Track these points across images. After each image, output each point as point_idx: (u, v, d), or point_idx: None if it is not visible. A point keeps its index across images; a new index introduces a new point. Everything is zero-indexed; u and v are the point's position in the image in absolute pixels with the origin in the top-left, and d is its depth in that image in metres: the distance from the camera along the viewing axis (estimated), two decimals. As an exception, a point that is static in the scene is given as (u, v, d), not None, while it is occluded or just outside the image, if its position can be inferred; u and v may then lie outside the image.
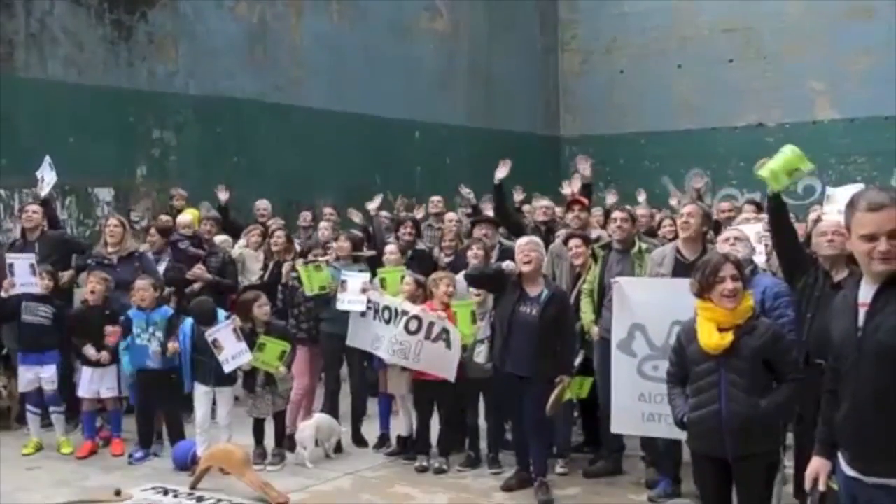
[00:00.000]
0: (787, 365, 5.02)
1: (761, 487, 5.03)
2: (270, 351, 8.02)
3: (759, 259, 6.77)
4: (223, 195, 11.77)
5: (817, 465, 3.92)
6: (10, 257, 8.95)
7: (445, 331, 7.77)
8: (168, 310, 8.56)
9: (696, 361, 5.00)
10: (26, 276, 8.74)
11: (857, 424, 3.66)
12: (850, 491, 3.72)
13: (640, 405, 6.86)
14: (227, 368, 7.95)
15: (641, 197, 13.84)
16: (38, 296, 8.73)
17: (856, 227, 3.66)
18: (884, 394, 3.55)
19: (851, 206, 3.75)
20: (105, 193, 11.82)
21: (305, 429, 8.22)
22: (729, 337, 4.86)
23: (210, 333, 7.95)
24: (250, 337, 8.01)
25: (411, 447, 8.29)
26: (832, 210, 7.45)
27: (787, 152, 5.84)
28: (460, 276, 8.49)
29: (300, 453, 8.18)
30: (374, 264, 9.42)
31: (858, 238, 3.62)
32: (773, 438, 5.10)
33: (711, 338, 4.88)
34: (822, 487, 3.88)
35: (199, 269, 9.65)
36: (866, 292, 3.67)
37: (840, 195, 7.85)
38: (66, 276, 9.20)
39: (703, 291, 5.02)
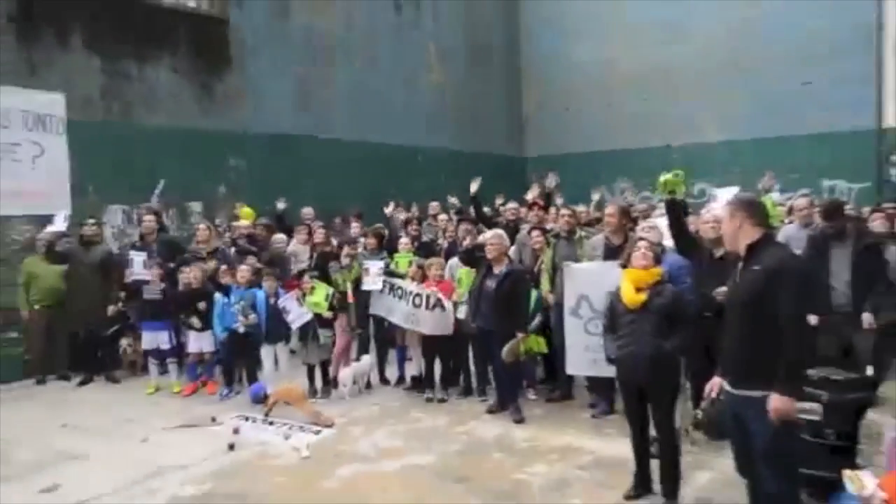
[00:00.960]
0: (684, 318, 5.08)
1: (667, 405, 5.06)
2: (318, 294, 8.22)
3: (668, 243, 6.73)
4: (281, 205, 11.76)
5: (714, 381, 4.10)
6: (131, 253, 9.15)
7: (439, 300, 7.91)
8: (256, 291, 8.53)
9: (620, 315, 5.14)
10: (140, 267, 8.95)
11: (728, 350, 3.99)
12: (727, 402, 3.97)
13: (585, 354, 7.04)
14: (295, 325, 8.19)
15: (595, 195, 13.95)
16: (155, 280, 8.86)
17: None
18: (744, 331, 3.87)
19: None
20: (196, 206, 11.86)
21: (347, 372, 8.33)
22: (643, 296, 5.03)
23: (280, 302, 8.19)
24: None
25: (421, 384, 8.38)
26: (715, 205, 7.65)
27: (670, 176, 5.78)
28: (451, 261, 8.70)
29: (342, 390, 8.30)
30: (391, 251, 9.53)
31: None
32: (674, 369, 5.14)
33: (631, 296, 5.05)
34: (714, 395, 4.06)
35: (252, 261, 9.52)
36: (740, 263, 4.01)
37: (720, 194, 8.10)
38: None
39: (627, 262, 5.28)
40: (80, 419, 7.80)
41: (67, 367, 9.76)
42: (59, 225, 9.68)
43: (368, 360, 8.72)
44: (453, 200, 12.10)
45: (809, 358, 3.95)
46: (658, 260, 5.35)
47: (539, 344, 7.68)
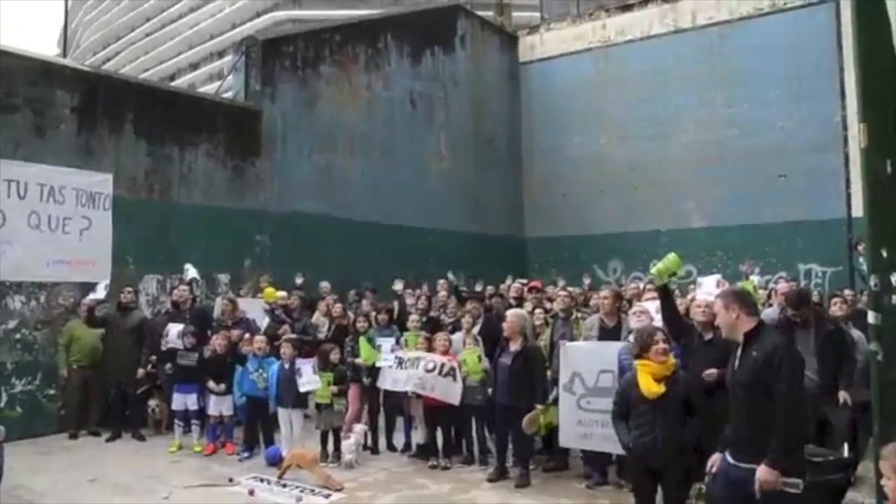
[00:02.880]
0: (697, 403, 4.97)
1: (680, 482, 4.97)
2: (322, 383, 8.11)
3: (657, 325, 6.85)
4: (299, 280, 11.89)
5: (714, 457, 4.21)
6: (169, 325, 9.15)
7: (453, 369, 7.79)
8: (272, 359, 8.55)
9: (636, 404, 4.91)
10: (175, 337, 8.96)
11: (735, 429, 4.08)
12: (729, 475, 4.05)
13: (577, 427, 7.01)
14: (302, 389, 8.05)
15: (587, 280, 14.01)
16: (189, 347, 8.90)
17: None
18: (746, 411, 3.98)
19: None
20: (224, 277, 11.93)
21: (349, 444, 8.12)
22: (662, 387, 4.83)
23: (298, 364, 8.11)
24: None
25: (426, 451, 8.25)
26: (701, 292, 7.67)
27: (670, 258, 5.78)
28: (455, 336, 8.61)
29: (347, 458, 8.08)
30: (401, 327, 9.42)
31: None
32: (689, 453, 4.97)
33: (650, 386, 4.82)
34: (714, 470, 4.16)
35: (285, 329, 9.70)
36: (738, 349, 4.11)
37: (705, 282, 8.13)
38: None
39: (641, 352, 4.95)
40: (108, 474, 7.71)
41: (98, 424, 9.69)
42: (100, 293, 9.74)
43: (360, 429, 8.50)
44: (452, 278, 12.07)
45: (800, 435, 4.05)
46: (670, 342, 5.29)
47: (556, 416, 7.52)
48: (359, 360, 8.68)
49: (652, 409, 4.83)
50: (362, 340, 8.72)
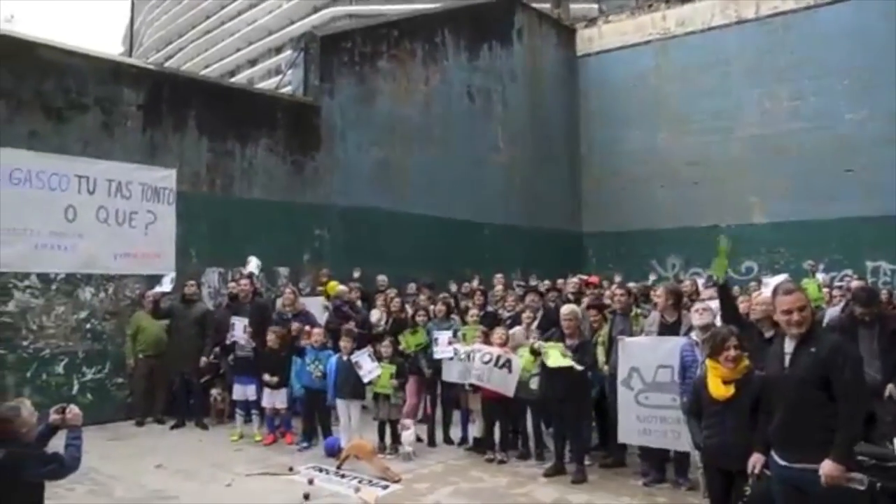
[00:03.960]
0: (763, 400, 4.54)
1: None
2: (384, 376, 8.20)
3: (718, 322, 6.77)
4: (356, 273, 12.03)
5: (755, 457, 4.20)
6: (234, 319, 9.32)
7: (508, 361, 7.80)
8: (329, 351, 8.70)
9: (706, 404, 4.78)
10: (239, 331, 9.16)
11: (787, 429, 3.95)
12: (782, 475, 3.98)
13: (637, 423, 6.99)
14: (366, 380, 8.12)
15: (653, 276, 13.78)
16: (246, 344, 9.09)
17: (778, 306, 4.01)
18: (801, 408, 3.88)
19: (774, 293, 4.16)
20: (283, 271, 12.12)
21: (409, 436, 8.18)
22: (731, 389, 4.66)
23: (354, 357, 8.18)
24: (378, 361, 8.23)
25: (482, 445, 8.28)
26: (767, 290, 7.53)
27: (719, 249, 6.10)
28: (513, 330, 8.61)
29: (406, 450, 8.14)
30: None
31: (780, 312, 3.99)
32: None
33: (718, 389, 4.70)
34: (757, 469, 4.17)
35: (350, 325, 9.79)
36: (789, 346, 4.00)
37: (772, 282, 7.95)
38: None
39: (713, 353, 4.81)
40: (173, 461, 7.92)
41: (163, 412, 9.98)
42: (166, 286, 10.04)
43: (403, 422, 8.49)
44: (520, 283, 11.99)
45: (862, 432, 4.01)
46: (744, 347, 5.03)
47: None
48: (403, 348, 8.81)
49: (721, 411, 4.70)
50: (407, 333, 8.86)
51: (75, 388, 9.62)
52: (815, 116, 15.71)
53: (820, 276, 12.11)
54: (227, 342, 9.34)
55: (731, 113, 16.89)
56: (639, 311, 8.13)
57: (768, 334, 6.03)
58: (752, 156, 16.48)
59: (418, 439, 8.56)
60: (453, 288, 12.21)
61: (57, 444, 4.73)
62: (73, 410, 4.65)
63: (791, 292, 4.04)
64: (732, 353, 4.71)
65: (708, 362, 4.92)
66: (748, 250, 16.35)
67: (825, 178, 15.31)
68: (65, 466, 4.49)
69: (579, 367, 7.20)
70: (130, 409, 9.98)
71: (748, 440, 4.54)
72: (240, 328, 9.13)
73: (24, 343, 9.29)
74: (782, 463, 3.98)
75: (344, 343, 8.42)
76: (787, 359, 4.01)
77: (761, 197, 16.43)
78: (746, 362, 4.81)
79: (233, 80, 46.65)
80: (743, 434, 4.58)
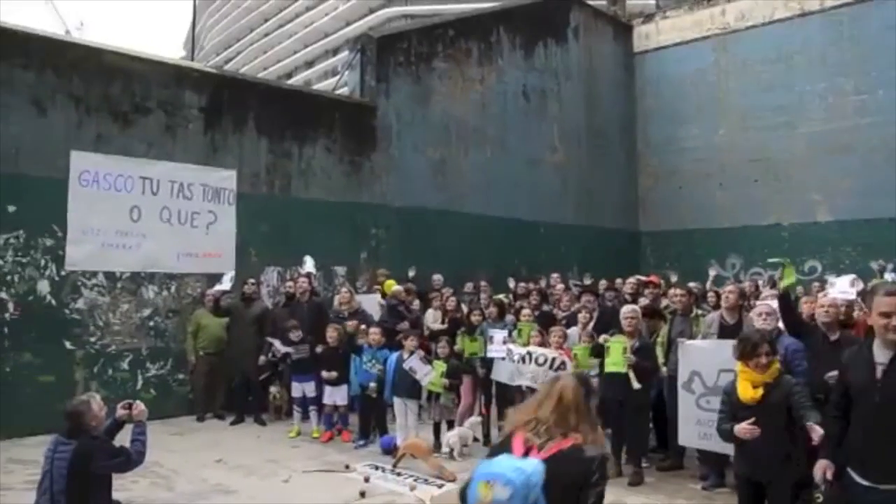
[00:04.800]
0: (799, 406, 4.42)
1: (786, 500, 4.51)
2: (436, 374, 8.17)
3: (782, 325, 6.60)
4: (411, 273, 12.11)
5: (824, 463, 3.87)
6: (269, 339, 9.50)
7: (563, 363, 7.76)
8: (386, 350, 8.74)
9: (737, 409, 4.60)
10: (278, 345, 9.28)
11: (876, 447, 3.58)
12: (864, 497, 3.62)
13: (697, 427, 6.84)
14: (424, 383, 8.14)
15: (712, 272, 13.58)
16: (297, 341, 9.16)
17: (876, 307, 3.65)
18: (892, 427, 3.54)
19: (872, 293, 3.95)
20: (340, 270, 12.26)
21: (453, 436, 8.16)
22: (760, 391, 4.52)
23: (407, 363, 8.18)
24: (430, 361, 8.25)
25: (537, 445, 8.26)
26: (834, 291, 7.32)
27: (787, 270, 6.21)
28: (570, 330, 8.62)
29: (445, 451, 8.10)
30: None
31: (878, 315, 3.61)
32: (796, 465, 4.47)
33: (747, 392, 4.55)
34: (829, 476, 3.80)
35: (404, 325, 9.86)
36: (883, 355, 3.64)
37: (839, 281, 7.72)
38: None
39: (743, 357, 4.65)
40: (232, 456, 8.09)
41: (222, 408, 10.21)
42: (226, 285, 10.24)
43: (474, 420, 8.58)
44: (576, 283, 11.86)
45: None
46: (775, 351, 4.87)
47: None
48: (459, 349, 8.84)
49: (751, 415, 4.45)
50: (467, 339, 8.90)
51: (139, 383, 9.90)
52: (881, 110, 15.15)
53: (889, 276, 11.70)
54: (270, 357, 9.54)
55: (793, 108, 16.42)
56: (699, 312, 7.99)
57: (833, 337, 5.91)
58: (815, 152, 16.01)
59: (475, 439, 8.54)
60: (511, 284, 12.15)
61: (123, 437, 4.88)
62: (139, 406, 4.80)
63: (892, 294, 3.68)
64: (763, 360, 4.57)
65: (738, 367, 4.76)
66: (812, 250, 15.91)
67: (893, 174, 14.77)
68: (131, 460, 4.64)
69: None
70: (191, 405, 10.23)
71: (780, 448, 4.42)
72: (277, 345, 9.29)
73: (92, 339, 9.61)
74: (865, 483, 3.62)
75: (407, 343, 8.42)
76: (880, 369, 3.65)
77: (825, 194, 15.93)
78: (777, 366, 4.69)
79: (290, 81, 47.36)
80: (774, 441, 4.40)
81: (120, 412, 4.89)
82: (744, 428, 4.37)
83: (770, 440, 4.38)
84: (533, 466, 2.74)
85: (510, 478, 2.68)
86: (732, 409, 4.66)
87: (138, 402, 4.91)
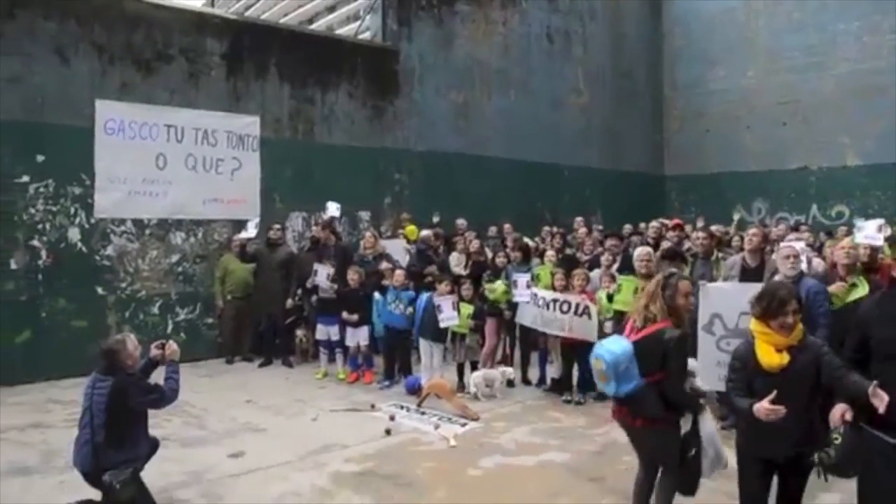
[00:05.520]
0: (833, 370, 3.68)
1: (804, 485, 3.91)
2: (462, 315, 8.32)
3: (803, 266, 6.56)
4: (436, 218, 12.18)
5: (843, 407, 3.56)
6: (317, 265, 9.47)
7: (587, 307, 7.84)
8: (411, 292, 8.85)
9: (756, 377, 3.78)
10: (322, 277, 9.33)
11: None
12: (891, 455, 3.43)
13: (717, 369, 6.81)
14: (442, 325, 8.26)
15: (736, 216, 13.46)
16: (330, 287, 9.26)
17: None
18: None
19: None
20: (364, 214, 12.31)
21: (477, 377, 8.29)
22: (787, 357, 3.71)
23: (437, 300, 8.30)
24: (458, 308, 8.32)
25: (560, 386, 8.35)
26: (861, 235, 7.25)
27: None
28: (593, 273, 8.65)
29: (471, 391, 8.24)
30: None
31: None
32: (817, 441, 3.72)
33: (772, 358, 3.72)
34: (848, 418, 3.51)
35: (432, 269, 9.97)
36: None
37: (866, 226, 7.62)
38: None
39: (765, 315, 3.80)
40: (261, 397, 8.30)
41: (250, 351, 10.42)
42: (251, 231, 10.35)
43: (502, 370, 8.64)
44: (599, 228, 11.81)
45: None
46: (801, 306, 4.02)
47: None
48: (485, 292, 8.87)
49: (772, 386, 3.65)
50: (495, 285, 8.88)
51: (169, 327, 10.10)
52: (918, 49, 14.74)
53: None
54: (309, 286, 9.56)
55: (825, 48, 15.99)
56: (720, 255, 7.96)
57: (850, 280, 5.85)
58: (846, 94, 15.62)
59: (510, 383, 8.63)
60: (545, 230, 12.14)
61: (157, 376, 5.04)
62: (172, 346, 4.98)
63: None
64: (791, 319, 3.74)
65: (755, 328, 3.87)
66: (839, 194, 15.70)
67: (926, 115, 14.41)
68: (165, 397, 4.81)
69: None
70: (220, 348, 10.44)
71: (803, 422, 3.69)
72: (322, 275, 9.31)
73: (123, 285, 9.80)
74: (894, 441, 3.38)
75: (441, 286, 8.46)
76: None
77: (855, 138, 15.59)
78: (801, 326, 3.84)
79: (312, 27, 46.89)
80: (798, 415, 3.64)
81: (154, 352, 5.05)
82: (766, 408, 3.53)
83: (793, 414, 3.59)
84: (622, 348, 4.14)
85: (605, 357, 4.14)
86: (748, 377, 3.83)
87: (171, 341, 5.06)
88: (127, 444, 4.69)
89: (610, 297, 7.68)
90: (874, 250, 6.71)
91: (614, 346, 4.17)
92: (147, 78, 9.99)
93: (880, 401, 3.31)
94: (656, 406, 4.17)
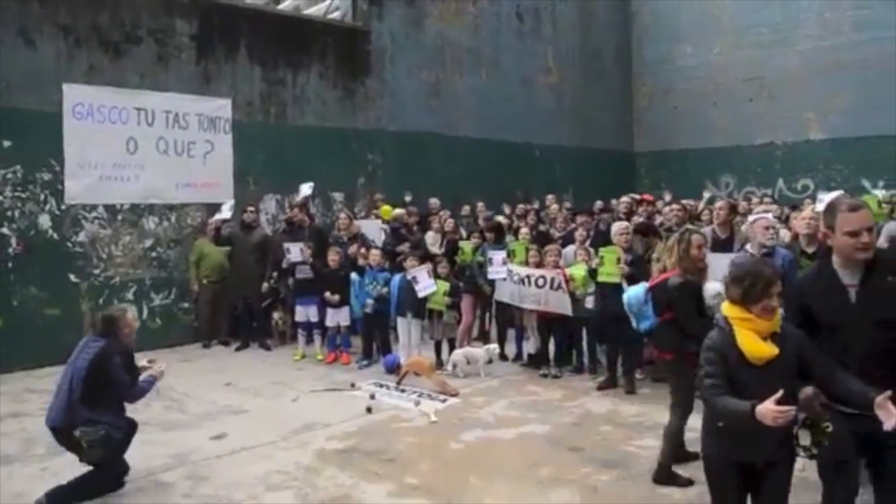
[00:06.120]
0: (826, 366, 3.19)
1: (786, 484, 3.31)
2: (439, 292, 8.37)
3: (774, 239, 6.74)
4: (408, 197, 12.20)
5: (811, 391, 3.13)
6: (286, 244, 9.50)
7: (561, 282, 7.91)
8: (387, 273, 8.88)
9: (737, 370, 3.16)
10: (296, 254, 9.35)
11: (866, 374, 3.12)
12: (852, 425, 3.22)
13: (687, 338, 7.04)
14: (420, 295, 8.30)
15: (707, 193, 13.64)
16: (306, 262, 9.29)
17: (840, 225, 3.26)
18: (880, 348, 3.23)
19: (832, 209, 3.37)
20: (338, 196, 12.27)
21: (458, 355, 8.35)
22: (774, 347, 3.15)
23: (411, 273, 8.36)
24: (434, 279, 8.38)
25: (537, 360, 8.45)
26: (821, 206, 7.39)
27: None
28: (567, 249, 8.74)
29: (449, 369, 8.30)
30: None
31: (844, 234, 3.24)
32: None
33: (759, 348, 3.14)
34: (823, 400, 3.13)
35: (405, 247, 9.94)
36: (850, 276, 3.32)
37: (827, 197, 7.76)
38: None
39: (747, 299, 3.20)
40: (240, 379, 8.29)
41: (227, 335, 10.38)
42: (226, 213, 10.27)
43: (487, 347, 8.65)
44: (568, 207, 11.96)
45: None
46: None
47: None
48: (460, 259, 9.07)
49: (756, 379, 3.12)
50: (463, 244, 9.03)
51: (145, 313, 10.00)
52: (878, 25, 14.93)
53: (879, 193, 11.76)
54: (284, 266, 9.54)
55: (789, 25, 16.24)
56: (692, 228, 8.07)
57: (810, 250, 6.02)
58: (810, 70, 15.89)
59: (489, 361, 8.57)
60: (507, 210, 12.24)
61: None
62: (160, 368, 5.22)
63: (858, 209, 3.30)
64: (776, 302, 3.21)
65: (732, 314, 3.26)
66: (804, 168, 16.04)
67: (887, 91, 14.62)
68: (134, 388, 5.02)
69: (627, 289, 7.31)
70: (196, 333, 10.39)
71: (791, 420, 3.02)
72: (296, 251, 9.32)
73: (96, 272, 9.69)
74: (852, 411, 3.18)
75: (409, 262, 8.55)
76: (853, 293, 3.31)
77: (819, 112, 15.89)
78: (780, 311, 3.31)
79: (279, 7, 46.28)
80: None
81: (142, 362, 5.27)
82: (775, 410, 2.89)
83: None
84: (634, 293, 5.42)
85: (629, 298, 5.45)
86: (728, 371, 3.19)
87: (162, 366, 5.29)
88: (100, 406, 4.83)
89: (593, 272, 7.72)
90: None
91: (631, 291, 5.46)
92: (115, 60, 9.83)
93: (888, 415, 2.90)
94: (671, 340, 5.06)
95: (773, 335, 3.22)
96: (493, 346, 8.70)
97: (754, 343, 3.17)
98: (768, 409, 2.90)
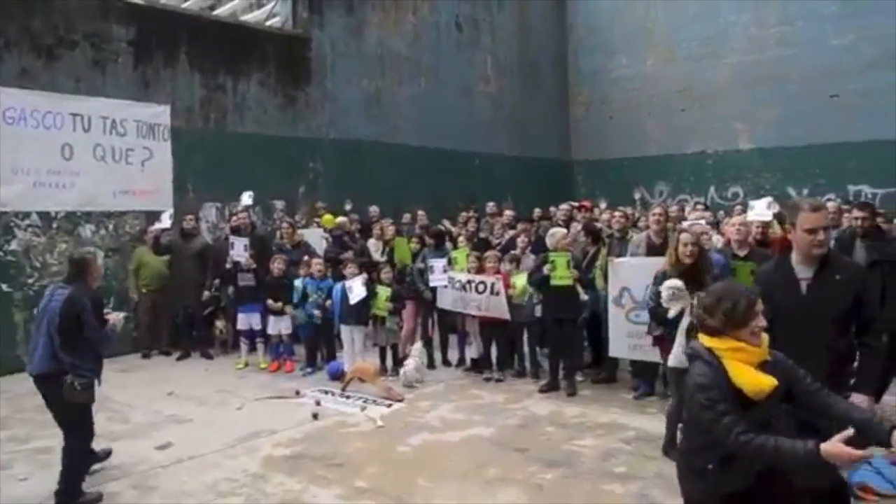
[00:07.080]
0: (824, 396, 2.85)
1: None
2: (381, 298, 8.49)
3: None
4: (348, 205, 12.21)
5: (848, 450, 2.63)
6: (231, 238, 9.46)
7: (500, 289, 8.06)
8: (330, 281, 8.92)
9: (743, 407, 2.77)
10: (240, 249, 9.29)
11: (808, 363, 3.00)
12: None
13: (627, 339, 7.29)
14: (352, 302, 8.35)
15: (637, 196, 13.98)
16: (248, 269, 9.21)
17: (801, 223, 3.51)
18: (825, 340, 3.49)
19: (796, 208, 3.61)
20: (279, 204, 12.24)
21: (411, 369, 8.28)
22: (772, 378, 2.78)
23: (348, 283, 8.42)
24: (372, 289, 8.48)
25: (480, 365, 8.59)
26: (752, 214, 7.74)
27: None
28: (508, 255, 8.87)
29: (408, 381, 8.22)
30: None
31: (803, 231, 3.50)
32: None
33: (760, 381, 2.76)
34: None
35: (348, 254, 9.92)
36: (805, 271, 3.60)
37: (757, 204, 8.14)
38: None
39: (730, 325, 2.83)
40: (183, 389, 8.22)
41: (168, 344, 10.24)
42: (165, 222, 10.14)
43: (418, 347, 8.72)
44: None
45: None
46: None
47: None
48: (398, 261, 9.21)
49: (766, 416, 2.81)
50: (398, 241, 9.20)
51: (82, 322, 9.78)
52: (801, 42, 15.63)
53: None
54: (228, 264, 9.44)
55: (718, 39, 16.83)
56: (634, 235, 8.36)
57: (742, 254, 6.39)
58: (738, 82, 16.50)
59: (431, 366, 8.79)
60: (447, 224, 12.36)
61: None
62: (120, 316, 5.44)
63: (818, 209, 3.54)
64: (763, 321, 2.86)
65: (715, 344, 2.87)
66: (734, 176, 16.64)
67: (811, 103, 15.33)
68: (105, 333, 5.17)
69: (584, 297, 7.69)
70: (136, 343, 10.20)
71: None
72: (239, 247, 9.27)
73: (30, 281, 9.46)
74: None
75: (348, 271, 8.62)
76: (804, 285, 3.60)
77: (747, 123, 16.52)
78: (765, 334, 2.91)
79: (215, 13, 45.57)
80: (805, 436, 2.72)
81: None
82: (853, 453, 2.54)
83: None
84: (674, 283, 5.23)
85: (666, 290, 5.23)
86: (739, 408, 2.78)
87: (120, 315, 5.48)
88: (78, 351, 4.94)
89: (547, 280, 7.81)
90: (765, 226, 7.24)
91: (668, 283, 5.46)
92: (49, 64, 9.64)
93: None
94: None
95: (763, 364, 2.84)
96: (418, 345, 8.75)
97: (753, 376, 2.77)
98: (842, 451, 2.52)
